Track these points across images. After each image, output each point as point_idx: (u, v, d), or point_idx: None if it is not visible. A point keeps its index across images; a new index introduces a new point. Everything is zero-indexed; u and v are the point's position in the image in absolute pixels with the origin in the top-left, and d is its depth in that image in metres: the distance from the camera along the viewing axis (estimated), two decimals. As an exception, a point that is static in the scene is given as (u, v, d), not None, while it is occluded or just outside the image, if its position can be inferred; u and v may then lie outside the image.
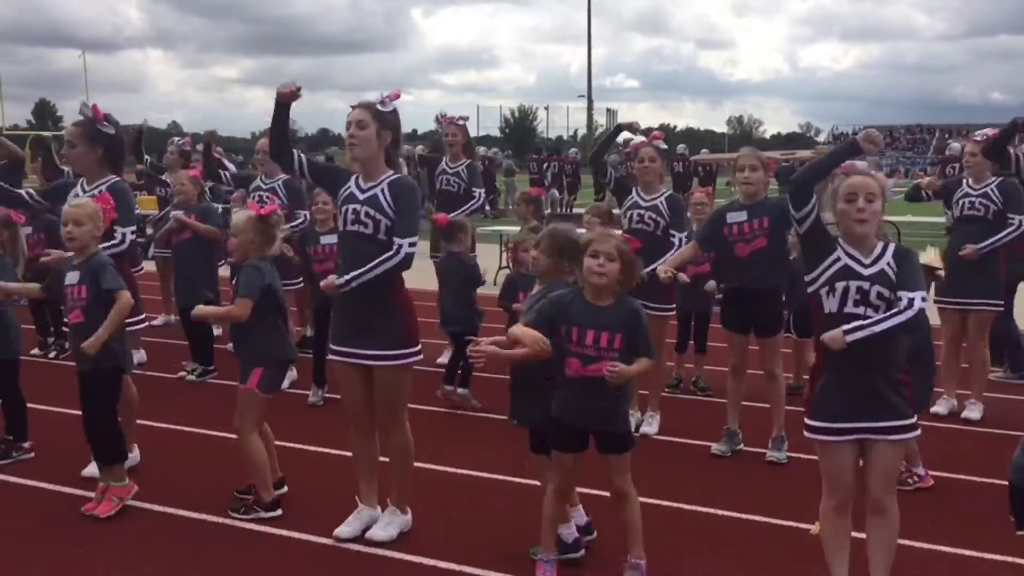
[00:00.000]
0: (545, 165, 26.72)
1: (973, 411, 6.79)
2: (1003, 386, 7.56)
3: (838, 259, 3.64)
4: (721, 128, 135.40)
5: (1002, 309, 6.81)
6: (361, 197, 4.39)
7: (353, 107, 4.45)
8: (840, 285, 3.61)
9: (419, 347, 4.56)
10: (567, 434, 4.01)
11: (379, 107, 4.40)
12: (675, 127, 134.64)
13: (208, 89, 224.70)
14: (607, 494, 4.15)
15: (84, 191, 5.50)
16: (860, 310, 3.57)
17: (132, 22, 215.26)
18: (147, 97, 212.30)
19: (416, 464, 4.73)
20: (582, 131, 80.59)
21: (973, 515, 4.90)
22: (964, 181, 6.89)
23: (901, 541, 3.77)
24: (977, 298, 6.62)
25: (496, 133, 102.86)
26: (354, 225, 4.38)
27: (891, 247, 3.65)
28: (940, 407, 6.77)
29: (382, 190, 4.37)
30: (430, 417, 6.72)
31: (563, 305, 3.94)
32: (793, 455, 5.74)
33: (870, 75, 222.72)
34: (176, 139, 10.38)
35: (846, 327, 3.52)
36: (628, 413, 4.16)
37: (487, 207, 25.76)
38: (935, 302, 6.63)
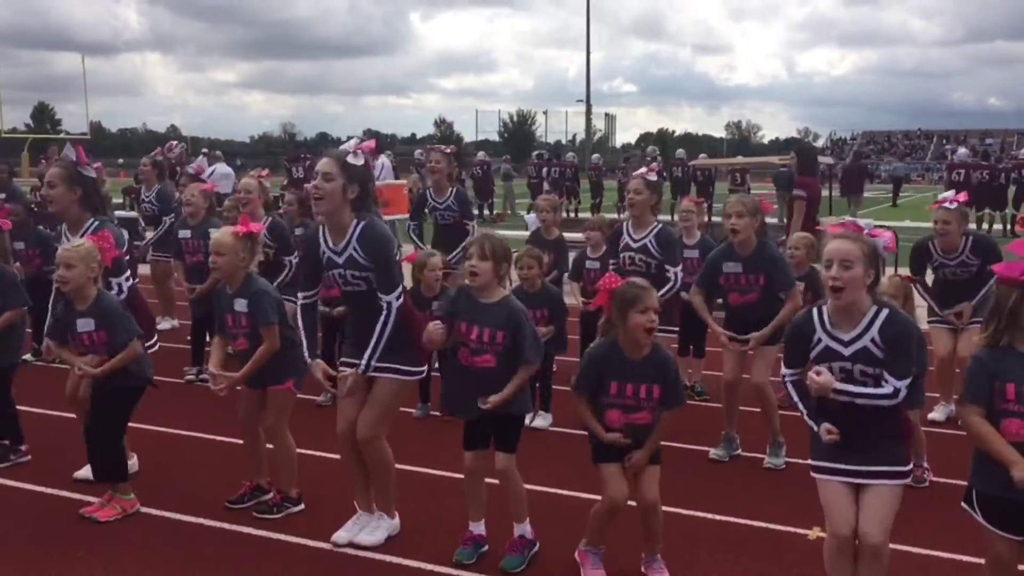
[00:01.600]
0: (545, 169, 26.69)
1: (939, 412, 6.79)
2: None
3: (819, 340, 3.58)
4: (719, 133, 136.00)
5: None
6: (340, 261, 4.37)
7: (324, 155, 4.40)
8: (824, 366, 3.56)
9: (423, 367, 4.58)
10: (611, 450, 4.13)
11: (349, 159, 4.30)
12: (673, 132, 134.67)
13: (207, 93, 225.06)
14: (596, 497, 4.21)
15: (68, 239, 5.31)
16: (848, 387, 3.53)
17: (131, 25, 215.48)
18: (146, 100, 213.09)
19: (405, 467, 4.76)
20: (580, 135, 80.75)
21: (971, 520, 4.89)
22: (933, 249, 6.47)
23: (901, 547, 3.75)
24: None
25: (495, 137, 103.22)
26: (348, 287, 4.43)
27: (881, 317, 3.51)
28: (937, 413, 6.77)
29: (355, 249, 4.33)
30: (418, 420, 6.71)
31: (602, 358, 4.08)
32: (791, 460, 5.75)
33: (867, 80, 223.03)
34: (173, 147, 10.36)
35: (838, 385, 3.51)
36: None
37: (485, 211, 25.83)
38: (928, 322, 6.57)
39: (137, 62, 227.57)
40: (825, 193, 14.31)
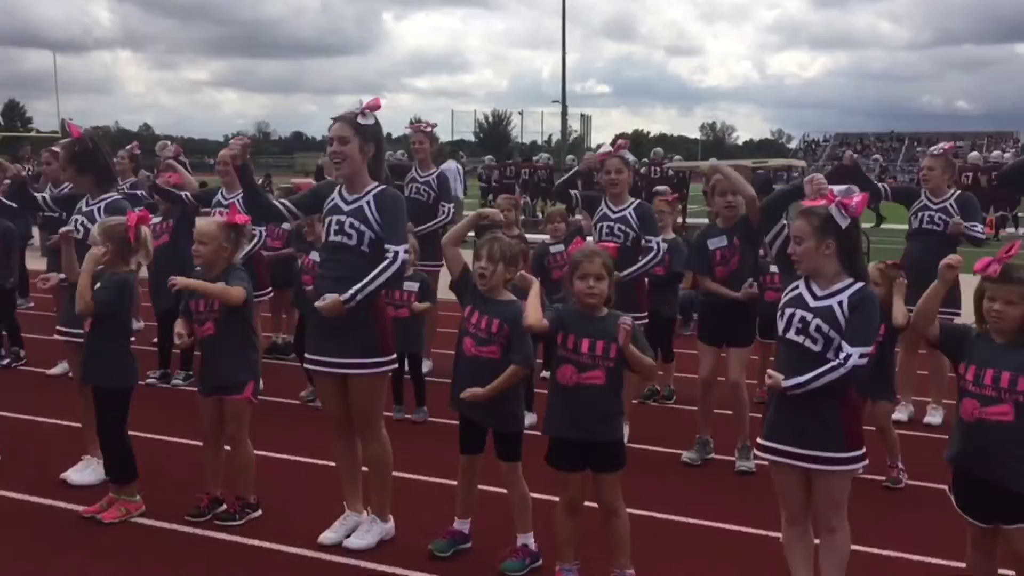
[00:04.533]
0: (510, 170, 26.48)
1: (934, 416, 6.89)
2: None
3: (796, 286, 3.73)
4: (694, 134, 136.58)
5: (959, 315, 6.86)
6: (346, 209, 4.40)
7: (334, 120, 4.41)
8: (788, 311, 3.69)
9: (393, 356, 4.59)
10: (564, 453, 4.08)
11: (359, 119, 4.37)
12: (648, 133, 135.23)
13: (179, 91, 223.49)
14: (554, 499, 4.22)
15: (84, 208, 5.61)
16: (800, 339, 3.61)
17: (102, 23, 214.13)
18: (118, 99, 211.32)
19: (395, 473, 4.74)
20: (556, 136, 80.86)
21: (936, 522, 4.96)
22: (923, 193, 6.89)
23: (866, 549, 3.81)
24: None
25: (470, 137, 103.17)
26: (338, 236, 4.39)
27: (854, 288, 3.61)
28: (900, 414, 6.83)
29: (367, 202, 4.38)
30: (409, 425, 6.71)
31: (559, 311, 4.10)
32: (762, 463, 5.78)
33: (838, 83, 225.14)
34: (167, 146, 10.23)
35: (786, 383, 3.57)
36: (622, 426, 4.20)
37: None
38: None
39: (108, 60, 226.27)
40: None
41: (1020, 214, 22.81)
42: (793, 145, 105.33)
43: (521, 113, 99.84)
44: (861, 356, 3.52)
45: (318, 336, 4.51)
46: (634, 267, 6.09)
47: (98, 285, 4.73)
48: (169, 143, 10.40)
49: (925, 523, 5.05)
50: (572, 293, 4.06)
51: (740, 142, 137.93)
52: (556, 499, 4.17)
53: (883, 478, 5.57)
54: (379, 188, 4.43)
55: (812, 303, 3.63)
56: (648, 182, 24.21)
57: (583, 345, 3.96)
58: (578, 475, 4.09)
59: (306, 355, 4.62)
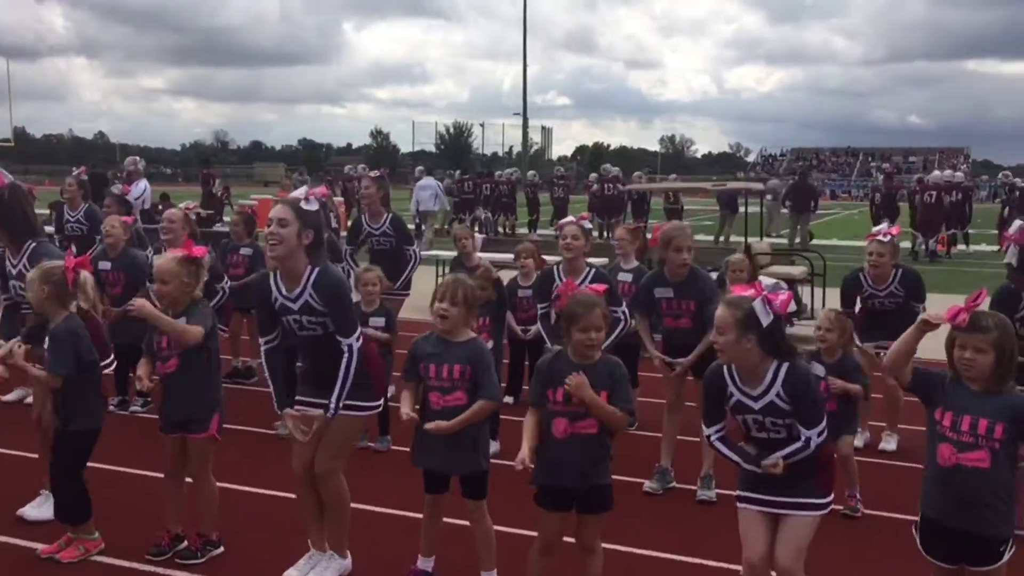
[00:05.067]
0: (467, 185, 26.12)
1: (889, 442, 7.01)
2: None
3: (731, 394, 3.82)
4: (654, 147, 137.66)
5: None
6: (295, 307, 4.38)
7: (276, 202, 4.45)
8: (739, 417, 3.84)
9: (379, 401, 4.66)
10: (553, 497, 4.11)
11: (302, 204, 4.34)
12: (608, 145, 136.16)
13: (135, 99, 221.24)
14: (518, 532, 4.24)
15: (11, 262, 5.61)
16: (763, 435, 3.80)
17: (56, 29, 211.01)
18: (72, 106, 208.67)
19: (356, 505, 4.74)
20: (517, 147, 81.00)
21: (894, 552, 5.05)
22: (864, 279, 6.76)
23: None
24: (891, 340, 6.65)
25: (431, 148, 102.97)
26: (303, 332, 4.44)
27: (782, 373, 3.71)
28: (856, 440, 6.92)
29: (311, 296, 4.35)
30: (371, 454, 6.69)
31: (547, 366, 4.10)
32: (723, 492, 5.83)
33: (794, 97, 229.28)
34: (136, 162, 10.09)
35: (766, 463, 3.73)
36: (610, 469, 4.21)
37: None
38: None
39: (63, 67, 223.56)
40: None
41: (971, 231, 23.29)
42: (751, 158, 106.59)
43: (483, 125, 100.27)
44: (819, 435, 3.73)
45: (310, 382, 4.54)
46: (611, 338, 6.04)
47: (46, 346, 4.69)
48: (138, 158, 10.29)
49: (884, 553, 5.14)
50: (569, 343, 4.06)
51: (699, 155, 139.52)
52: (520, 532, 4.19)
53: (841, 507, 5.64)
54: (315, 273, 4.35)
55: (755, 405, 3.76)
56: (602, 200, 24.33)
57: (573, 397, 3.99)
58: (560, 515, 4.12)
59: (298, 399, 4.55)
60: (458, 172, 30.88)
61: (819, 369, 5.31)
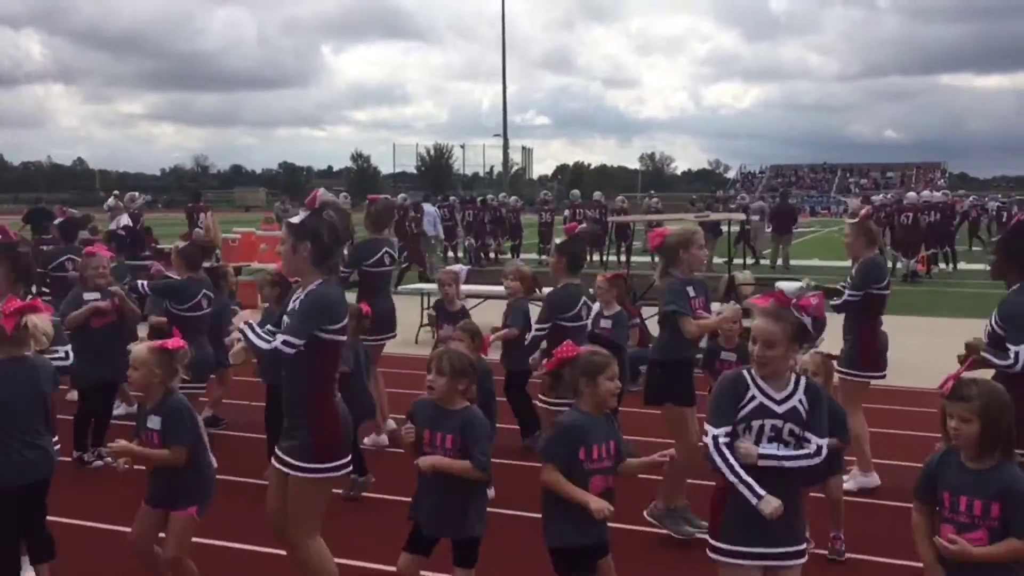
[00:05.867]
0: (444, 212, 25.54)
1: (850, 483, 6.76)
2: (902, 451, 7.60)
3: (753, 397, 3.68)
4: (634, 165, 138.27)
5: (883, 376, 6.94)
6: (288, 308, 4.39)
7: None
8: (756, 423, 3.66)
9: (334, 464, 4.30)
10: (576, 560, 4.05)
11: (293, 220, 4.37)
12: (589, 164, 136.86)
13: (113, 124, 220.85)
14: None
15: None
16: (773, 447, 3.64)
17: (33, 56, 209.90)
18: (50, 132, 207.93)
19: (338, 560, 4.55)
20: (498, 168, 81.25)
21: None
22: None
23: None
24: (843, 367, 6.61)
25: (412, 170, 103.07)
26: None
27: (803, 383, 3.73)
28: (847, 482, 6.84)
29: (299, 300, 4.34)
30: (355, 509, 6.49)
31: (577, 428, 4.04)
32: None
33: (771, 114, 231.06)
34: (135, 198, 10.06)
35: (761, 451, 3.63)
36: None
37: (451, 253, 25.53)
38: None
39: (40, 93, 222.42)
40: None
41: (959, 248, 23.49)
42: (731, 175, 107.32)
43: (463, 146, 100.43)
44: (827, 446, 3.71)
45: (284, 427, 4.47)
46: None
47: None
48: (137, 194, 10.26)
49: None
50: (592, 394, 4.06)
51: (679, 172, 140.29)
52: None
53: (825, 550, 5.54)
54: (311, 287, 4.31)
55: (779, 409, 3.65)
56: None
57: (603, 451, 4.03)
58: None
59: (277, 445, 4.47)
60: (452, 198, 30.73)
61: None
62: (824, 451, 3.66)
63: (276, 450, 4.42)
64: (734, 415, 3.66)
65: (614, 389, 4.05)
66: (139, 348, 4.67)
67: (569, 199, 26.65)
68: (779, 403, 3.66)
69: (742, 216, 15.95)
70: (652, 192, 38.36)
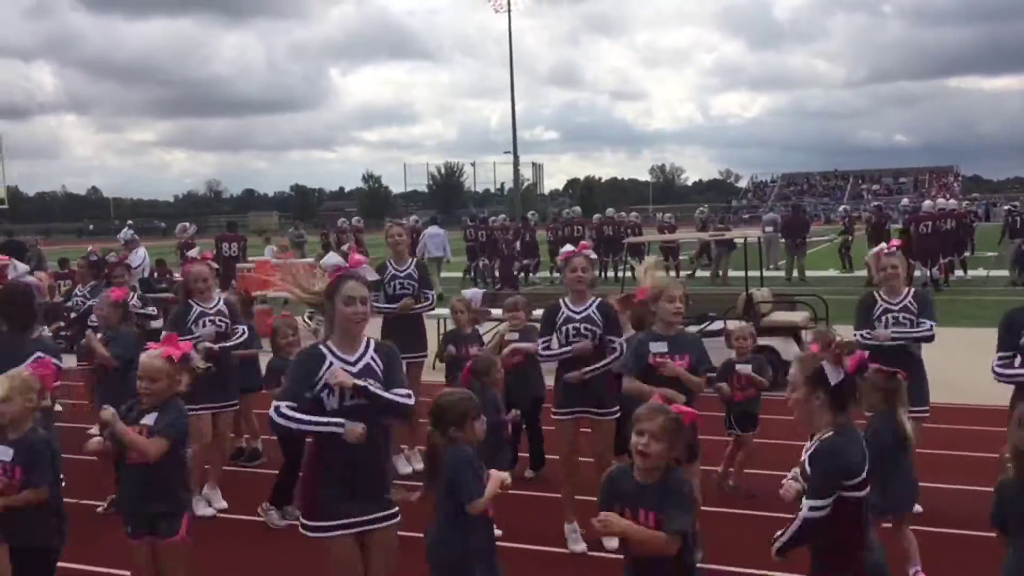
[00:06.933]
0: (474, 232, 25.82)
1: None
2: (972, 476, 7.48)
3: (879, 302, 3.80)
4: (644, 177, 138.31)
5: (927, 413, 6.79)
6: (354, 371, 4.31)
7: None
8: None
9: (314, 524, 4.18)
10: None
11: (368, 277, 4.44)
12: (600, 178, 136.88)
13: (126, 153, 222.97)
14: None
15: None
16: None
17: (45, 88, 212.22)
18: (63, 163, 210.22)
19: None
20: (509, 184, 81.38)
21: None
22: (877, 295, 6.75)
23: None
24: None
25: (423, 189, 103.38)
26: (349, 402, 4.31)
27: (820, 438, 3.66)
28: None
29: (372, 359, 4.35)
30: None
31: (615, 479, 3.87)
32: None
33: (779, 122, 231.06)
34: (187, 229, 10.07)
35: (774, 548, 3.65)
36: None
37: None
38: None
39: (53, 124, 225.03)
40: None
41: (967, 254, 23.32)
42: (742, 184, 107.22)
43: (473, 164, 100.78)
44: (811, 509, 3.53)
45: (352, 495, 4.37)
46: (595, 365, 6.06)
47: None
48: (188, 225, 10.30)
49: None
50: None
51: (690, 183, 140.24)
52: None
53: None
54: (372, 342, 4.41)
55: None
56: (605, 242, 24.23)
57: (640, 517, 3.68)
58: None
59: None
60: (466, 218, 30.77)
61: None
62: (802, 513, 3.55)
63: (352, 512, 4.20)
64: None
65: (637, 445, 3.70)
66: (150, 356, 4.64)
67: (569, 213, 26.54)
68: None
69: (759, 233, 15.84)
70: (666, 211, 38.35)
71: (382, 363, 4.26)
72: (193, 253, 7.98)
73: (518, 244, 24.20)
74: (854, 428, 3.67)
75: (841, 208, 38.99)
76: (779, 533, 3.62)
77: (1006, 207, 31.32)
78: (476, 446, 4.29)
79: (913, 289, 6.80)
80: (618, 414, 6.34)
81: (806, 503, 3.53)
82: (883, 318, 6.65)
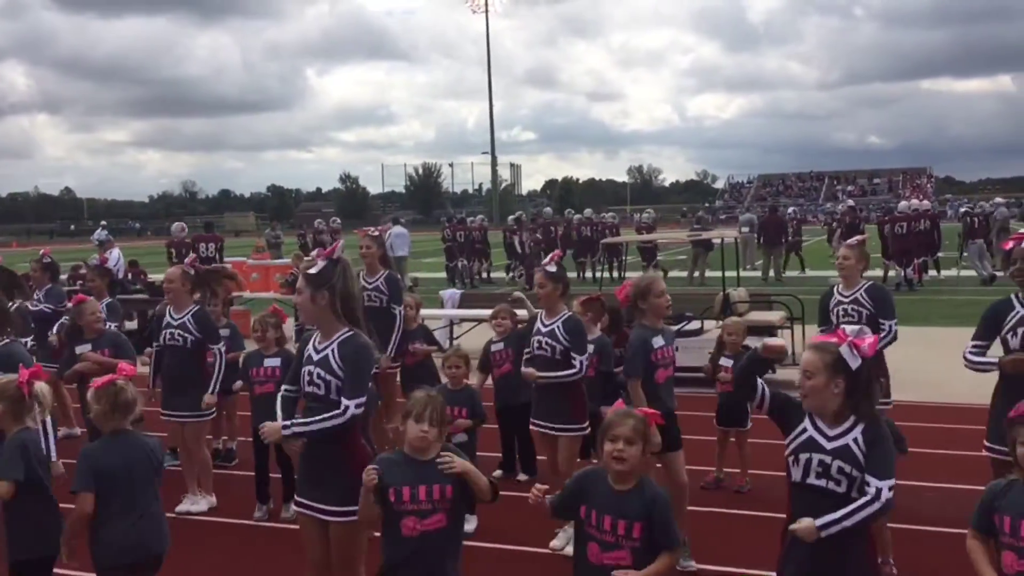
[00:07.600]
0: (451, 233, 25.90)
1: None
2: (950, 474, 7.57)
3: (804, 430, 3.65)
4: (622, 177, 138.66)
5: (889, 405, 6.83)
6: (316, 359, 4.38)
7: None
8: (803, 456, 3.61)
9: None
10: None
11: (311, 271, 4.41)
12: (578, 179, 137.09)
13: (100, 152, 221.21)
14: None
15: None
16: (822, 483, 3.55)
17: (17, 88, 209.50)
18: (36, 163, 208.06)
19: None
20: (487, 185, 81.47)
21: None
22: (834, 288, 6.70)
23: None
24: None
25: (401, 190, 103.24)
26: (309, 387, 4.39)
27: (862, 425, 3.58)
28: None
29: (332, 351, 4.35)
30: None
31: (587, 483, 3.80)
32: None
33: (755, 123, 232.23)
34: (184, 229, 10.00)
35: (819, 522, 3.47)
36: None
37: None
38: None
39: (25, 124, 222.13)
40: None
41: (940, 254, 23.56)
42: (719, 185, 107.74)
43: (451, 165, 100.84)
44: (890, 489, 3.50)
45: (302, 478, 4.48)
46: (546, 374, 6.07)
47: None
48: (184, 225, 10.16)
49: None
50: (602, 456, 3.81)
51: (667, 183, 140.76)
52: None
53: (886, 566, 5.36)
54: (344, 336, 4.38)
55: (828, 445, 3.58)
56: (582, 243, 24.31)
57: (605, 522, 3.63)
58: None
59: (295, 497, 4.54)
60: (444, 218, 30.80)
61: None
62: (885, 494, 3.47)
63: (303, 499, 4.41)
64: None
65: (612, 451, 3.66)
66: (92, 394, 4.47)
67: (542, 217, 26.59)
68: (830, 439, 3.59)
69: (736, 233, 15.90)
70: (646, 208, 38.47)
71: (341, 363, 4.31)
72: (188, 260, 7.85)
73: (530, 244, 24.29)
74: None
75: (840, 206, 38.95)
76: (839, 516, 3.46)
77: (962, 210, 31.51)
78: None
79: (871, 283, 6.63)
80: (585, 431, 6.24)
81: (883, 483, 3.46)
82: (835, 310, 6.58)
